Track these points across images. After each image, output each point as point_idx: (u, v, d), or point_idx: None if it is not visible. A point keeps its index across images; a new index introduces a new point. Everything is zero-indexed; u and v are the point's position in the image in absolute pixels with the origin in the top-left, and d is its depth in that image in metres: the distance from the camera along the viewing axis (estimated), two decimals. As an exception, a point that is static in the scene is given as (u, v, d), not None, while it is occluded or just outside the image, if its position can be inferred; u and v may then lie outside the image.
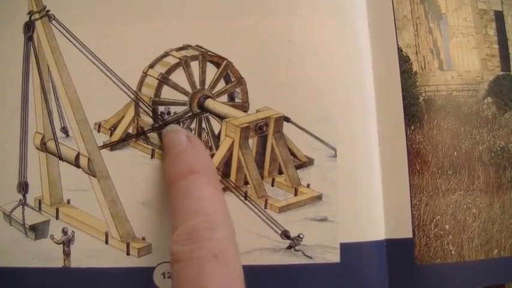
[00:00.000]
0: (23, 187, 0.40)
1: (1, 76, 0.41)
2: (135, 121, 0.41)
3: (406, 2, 0.42)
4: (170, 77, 0.41)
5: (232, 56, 0.40)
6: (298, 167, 0.41)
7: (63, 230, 0.40)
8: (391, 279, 0.40)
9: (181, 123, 0.41)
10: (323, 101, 0.40)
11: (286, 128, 0.40)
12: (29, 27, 0.40)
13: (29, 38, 0.40)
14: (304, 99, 0.40)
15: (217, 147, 0.41)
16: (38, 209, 0.41)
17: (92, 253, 0.40)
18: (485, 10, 0.43)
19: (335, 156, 0.40)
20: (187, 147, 0.36)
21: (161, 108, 0.41)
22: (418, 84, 0.41)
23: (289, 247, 0.39)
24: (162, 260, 0.39)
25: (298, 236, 0.39)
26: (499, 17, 0.43)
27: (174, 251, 0.32)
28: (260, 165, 0.41)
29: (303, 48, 0.40)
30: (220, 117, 0.41)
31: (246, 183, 0.41)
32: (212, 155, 0.41)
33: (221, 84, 0.42)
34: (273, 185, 0.42)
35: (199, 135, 0.41)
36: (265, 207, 0.40)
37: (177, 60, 0.40)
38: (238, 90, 0.41)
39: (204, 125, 0.41)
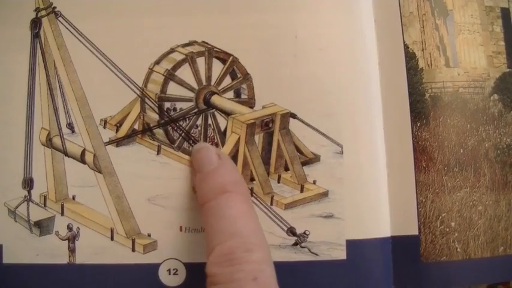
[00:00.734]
0: (28, 183, 0.40)
1: (8, 73, 0.41)
2: (141, 117, 0.41)
3: (412, -1, 0.42)
4: (176, 73, 0.41)
5: (239, 52, 0.40)
6: (304, 164, 0.41)
7: (68, 226, 0.40)
8: (397, 276, 0.40)
9: (187, 119, 0.41)
10: (329, 98, 0.40)
11: (293, 124, 0.40)
12: (36, 24, 0.40)
13: (35, 35, 0.40)
14: (310, 96, 0.40)
15: (223, 144, 0.41)
16: (43, 205, 0.41)
17: (97, 249, 0.40)
18: (491, 7, 0.43)
19: (341, 152, 0.40)
20: (218, 166, 0.36)
21: (167, 105, 0.41)
22: (424, 81, 0.41)
23: (295, 244, 0.39)
24: (167, 256, 0.39)
25: (304, 233, 0.39)
26: (506, 14, 0.43)
27: (212, 273, 0.32)
28: (266, 161, 0.41)
29: (309, 45, 0.40)
30: (226, 114, 0.41)
31: (252, 179, 0.41)
32: (218, 152, 0.41)
33: (227, 81, 0.42)
34: (279, 182, 0.42)
35: (205, 131, 0.41)
36: (271, 204, 0.40)
37: (183, 57, 0.40)
38: (244, 86, 0.41)
39: (210, 121, 0.41)
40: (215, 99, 0.41)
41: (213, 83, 0.42)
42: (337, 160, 0.40)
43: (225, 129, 0.41)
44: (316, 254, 0.39)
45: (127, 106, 0.41)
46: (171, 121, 0.41)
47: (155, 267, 0.39)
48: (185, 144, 0.41)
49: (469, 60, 0.42)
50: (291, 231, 0.39)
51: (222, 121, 0.41)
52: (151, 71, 0.40)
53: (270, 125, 0.41)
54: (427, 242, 0.40)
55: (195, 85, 0.41)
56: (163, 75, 0.40)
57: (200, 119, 0.41)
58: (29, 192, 0.40)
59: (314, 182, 0.40)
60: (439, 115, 0.41)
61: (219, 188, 0.35)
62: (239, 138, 0.40)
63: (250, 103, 0.41)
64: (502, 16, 0.43)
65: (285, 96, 0.40)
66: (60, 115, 0.41)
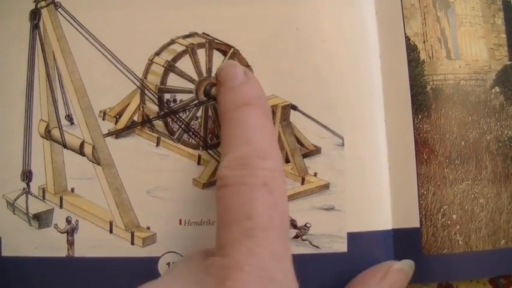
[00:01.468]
0: (27, 175, 0.40)
1: (7, 64, 0.40)
2: (141, 109, 0.41)
3: (413, -9, 0.42)
4: (176, 65, 0.40)
5: (239, 44, 0.40)
6: (305, 156, 0.41)
7: (67, 219, 0.40)
8: (398, 269, 0.40)
9: (187, 111, 0.41)
10: (330, 90, 0.40)
11: (293, 116, 0.40)
12: (35, 15, 0.40)
13: (35, 26, 0.40)
14: (312, 88, 0.40)
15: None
16: (41, 198, 0.40)
17: (96, 242, 0.39)
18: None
19: (342, 145, 0.40)
20: (244, 81, 0.36)
21: (167, 96, 0.41)
22: (425, 73, 0.41)
23: (296, 236, 0.39)
24: (167, 249, 0.39)
25: (305, 225, 0.39)
26: (507, 7, 0.43)
27: (224, 175, 0.32)
28: (267, 153, 0.41)
29: (310, 37, 0.40)
30: (227, 106, 0.41)
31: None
32: (218, 144, 0.40)
33: (228, 72, 0.41)
34: (279, 174, 0.41)
35: (206, 124, 0.41)
36: (272, 196, 0.40)
37: (184, 48, 0.40)
38: (245, 78, 0.41)
39: (210, 113, 0.41)
40: (216, 91, 0.41)
41: (213, 74, 0.41)
42: (338, 152, 0.40)
43: (226, 121, 0.41)
44: (317, 247, 0.39)
45: (126, 97, 0.41)
46: (171, 113, 0.40)
47: (154, 260, 0.39)
48: (185, 136, 0.41)
49: (470, 52, 0.42)
50: (292, 223, 0.39)
51: (222, 113, 0.41)
52: (151, 62, 0.40)
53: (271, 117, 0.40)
54: (429, 234, 0.40)
55: (195, 77, 0.41)
56: (163, 66, 0.40)
57: (200, 110, 0.41)
58: (27, 184, 0.40)
59: (315, 174, 0.40)
60: (440, 107, 0.41)
61: (242, 100, 0.35)
62: (239, 130, 0.40)
63: (250, 95, 0.41)
64: (503, 9, 0.43)
65: (286, 88, 0.40)
66: (59, 107, 0.41)
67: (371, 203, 0.40)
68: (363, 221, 0.40)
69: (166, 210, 0.39)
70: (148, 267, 0.39)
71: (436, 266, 0.40)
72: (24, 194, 0.40)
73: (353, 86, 0.40)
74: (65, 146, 0.40)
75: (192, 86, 0.41)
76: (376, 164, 0.40)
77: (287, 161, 0.41)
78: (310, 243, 0.39)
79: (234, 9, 0.40)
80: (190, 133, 0.41)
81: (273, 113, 0.40)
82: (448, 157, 0.41)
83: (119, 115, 0.41)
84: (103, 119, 0.41)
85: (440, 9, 0.42)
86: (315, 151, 0.40)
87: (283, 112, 0.40)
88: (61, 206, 0.40)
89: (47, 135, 0.40)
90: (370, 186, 0.40)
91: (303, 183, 0.40)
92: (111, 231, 0.40)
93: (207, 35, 0.40)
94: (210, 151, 0.40)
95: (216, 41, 0.40)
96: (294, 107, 0.40)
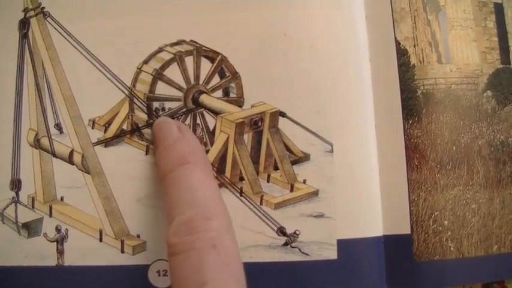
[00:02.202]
0: (16, 184, 0.40)
1: (-5, 73, 0.40)
2: (130, 117, 0.41)
3: (403, -6, 0.41)
4: (164, 73, 0.40)
5: (227, 51, 0.40)
6: (294, 163, 0.40)
7: (56, 227, 0.40)
8: (389, 275, 0.39)
9: (175, 118, 0.40)
10: (319, 95, 0.40)
11: (282, 122, 0.40)
12: (24, 24, 0.40)
13: (23, 35, 0.40)
14: (300, 94, 0.40)
15: (212, 143, 0.40)
16: (31, 207, 0.40)
17: (86, 251, 0.39)
18: (484, 2, 0.42)
19: (331, 151, 0.40)
20: (178, 138, 0.36)
21: (156, 104, 0.41)
22: (416, 78, 0.41)
23: (286, 244, 0.39)
24: (157, 257, 0.39)
25: (295, 233, 0.39)
26: (499, 10, 0.43)
27: (173, 243, 0.32)
28: (255, 160, 0.41)
29: (298, 41, 0.40)
30: (215, 113, 0.41)
31: (242, 179, 0.40)
32: (207, 151, 0.40)
33: (216, 79, 0.41)
34: (268, 181, 0.41)
35: (194, 131, 0.41)
36: (261, 204, 0.40)
37: (172, 56, 0.40)
38: (233, 85, 0.41)
39: (198, 121, 0.41)
40: (204, 99, 0.41)
41: (201, 82, 0.41)
42: (327, 159, 0.40)
43: (214, 128, 0.41)
44: (307, 254, 0.39)
45: (115, 106, 0.40)
46: (159, 121, 0.40)
47: (145, 268, 0.39)
48: (174, 144, 0.40)
49: (461, 56, 0.42)
50: (281, 231, 0.39)
51: (210, 120, 0.41)
52: (139, 70, 0.40)
53: (259, 124, 0.40)
54: (420, 241, 0.40)
55: (183, 84, 0.41)
56: (151, 74, 0.40)
57: (189, 118, 0.41)
58: (16, 193, 0.40)
59: (304, 181, 0.40)
60: (431, 112, 0.41)
61: (179, 160, 0.35)
62: (228, 138, 0.40)
63: (239, 102, 0.40)
64: (495, 11, 0.43)
65: (275, 94, 0.40)
66: (48, 115, 0.40)
67: (361, 209, 0.40)
68: (353, 227, 0.39)
69: (156, 218, 0.39)
70: (138, 276, 0.39)
71: (428, 272, 0.40)
72: (13, 203, 0.40)
73: (342, 91, 0.40)
74: (54, 154, 0.40)
75: (180, 94, 0.41)
76: (366, 170, 0.40)
77: (276, 168, 0.41)
78: (300, 250, 0.39)
79: (222, 16, 0.40)
80: (179, 141, 0.40)
81: (261, 120, 0.40)
82: (440, 162, 0.40)
83: (108, 124, 0.41)
84: (92, 128, 0.41)
85: (431, 12, 0.42)
86: (304, 158, 0.40)
87: (271, 119, 0.40)
88: (50, 215, 0.40)
89: (36, 144, 0.40)
90: (360, 193, 0.40)
91: (292, 190, 0.40)
92: (101, 240, 0.40)
93: (195, 42, 0.40)
94: (198, 159, 0.40)
95: (203, 48, 0.40)
96: (283, 114, 0.40)
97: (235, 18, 0.40)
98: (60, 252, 0.39)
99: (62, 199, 0.40)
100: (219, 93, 0.42)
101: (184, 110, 0.41)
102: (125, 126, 0.41)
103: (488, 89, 0.42)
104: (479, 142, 0.41)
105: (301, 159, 0.40)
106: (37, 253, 0.39)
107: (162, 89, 0.40)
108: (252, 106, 0.40)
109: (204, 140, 0.41)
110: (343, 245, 0.39)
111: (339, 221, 0.39)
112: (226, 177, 0.40)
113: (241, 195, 0.40)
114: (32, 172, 0.40)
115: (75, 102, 0.40)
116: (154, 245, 0.39)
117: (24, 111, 0.40)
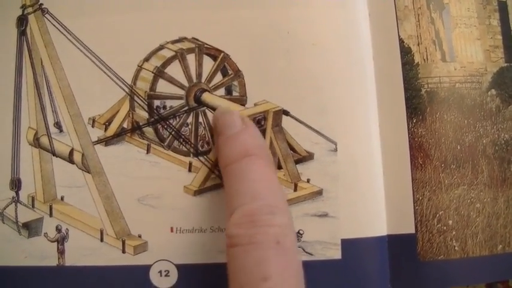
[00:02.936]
0: (16, 184, 0.39)
1: (-6, 71, 0.40)
2: (130, 115, 0.40)
3: (407, -8, 0.41)
4: (166, 71, 0.40)
5: (230, 49, 0.40)
6: (297, 162, 0.40)
7: (57, 227, 0.39)
8: (393, 275, 0.39)
9: (177, 117, 0.40)
10: (323, 94, 0.39)
11: (285, 121, 0.40)
12: (22, 21, 0.40)
13: (22, 33, 0.40)
14: (304, 92, 0.39)
15: (214, 142, 0.40)
16: (31, 206, 0.40)
17: (87, 251, 0.39)
18: (488, 0, 0.42)
19: (335, 150, 0.39)
20: (242, 129, 0.36)
21: (157, 102, 0.40)
22: (420, 76, 0.41)
23: (289, 244, 0.39)
24: (158, 257, 0.39)
25: (298, 232, 0.39)
26: (503, 8, 0.42)
27: (233, 234, 0.31)
28: (259, 160, 0.41)
29: (301, 40, 0.39)
30: (218, 111, 0.40)
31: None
32: (209, 150, 0.40)
33: (218, 78, 0.41)
34: (272, 180, 0.41)
35: (196, 130, 0.40)
36: (264, 203, 0.39)
37: (173, 53, 0.40)
38: (235, 83, 0.40)
39: (201, 119, 0.40)
40: (206, 97, 0.40)
41: (203, 80, 0.41)
42: (331, 158, 0.39)
43: (217, 127, 0.40)
44: (311, 254, 0.39)
45: (116, 104, 0.40)
46: (160, 119, 0.40)
47: (146, 268, 0.39)
48: (175, 143, 0.40)
49: (465, 54, 0.42)
50: (285, 230, 0.39)
51: (213, 119, 0.41)
52: (140, 68, 0.40)
53: (262, 123, 0.40)
54: (424, 240, 0.39)
55: (185, 82, 0.40)
56: (152, 72, 0.39)
57: (191, 117, 0.40)
58: (16, 193, 0.40)
59: (308, 181, 0.40)
60: (435, 111, 0.41)
61: (242, 151, 0.34)
62: (231, 136, 0.39)
63: (241, 100, 0.40)
64: (499, 9, 0.42)
65: (278, 93, 0.39)
66: (47, 114, 0.40)
67: (365, 209, 0.39)
68: (357, 227, 0.39)
69: (158, 218, 0.39)
70: (139, 276, 0.39)
71: (432, 272, 0.39)
72: (13, 203, 0.40)
73: (346, 90, 0.40)
74: (54, 153, 0.40)
75: (182, 92, 0.40)
76: (370, 169, 0.40)
77: (279, 167, 0.40)
78: (304, 250, 0.39)
79: (224, 13, 0.39)
80: (181, 140, 0.40)
81: (265, 118, 0.40)
82: (444, 161, 0.40)
83: (109, 122, 0.40)
84: (92, 126, 0.40)
85: (435, 10, 0.42)
86: (308, 157, 0.40)
87: (274, 118, 0.39)
88: (51, 215, 0.40)
89: (36, 143, 0.40)
90: (364, 192, 0.39)
91: (295, 189, 0.40)
92: (101, 240, 0.39)
93: (197, 39, 0.40)
94: (201, 158, 0.40)
95: (205, 45, 0.40)
96: (286, 112, 0.39)
97: (237, 15, 0.39)
98: (61, 252, 0.39)
99: (62, 199, 0.40)
100: (221, 91, 0.41)
101: (186, 108, 0.40)
102: (125, 125, 0.41)
103: (493, 87, 0.42)
104: (484, 141, 0.41)
105: (304, 158, 0.40)
106: (37, 253, 0.39)
107: (163, 86, 0.40)
108: (255, 105, 0.40)
109: (207, 139, 0.40)
110: (347, 244, 0.39)
111: (342, 220, 0.39)
112: (229, 177, 0.40)
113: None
114: (32, 171, 0.40)
115: (75, 101, 0.39)
116: (155, 245, 0.39)
117: (24, 110, 0.40)
